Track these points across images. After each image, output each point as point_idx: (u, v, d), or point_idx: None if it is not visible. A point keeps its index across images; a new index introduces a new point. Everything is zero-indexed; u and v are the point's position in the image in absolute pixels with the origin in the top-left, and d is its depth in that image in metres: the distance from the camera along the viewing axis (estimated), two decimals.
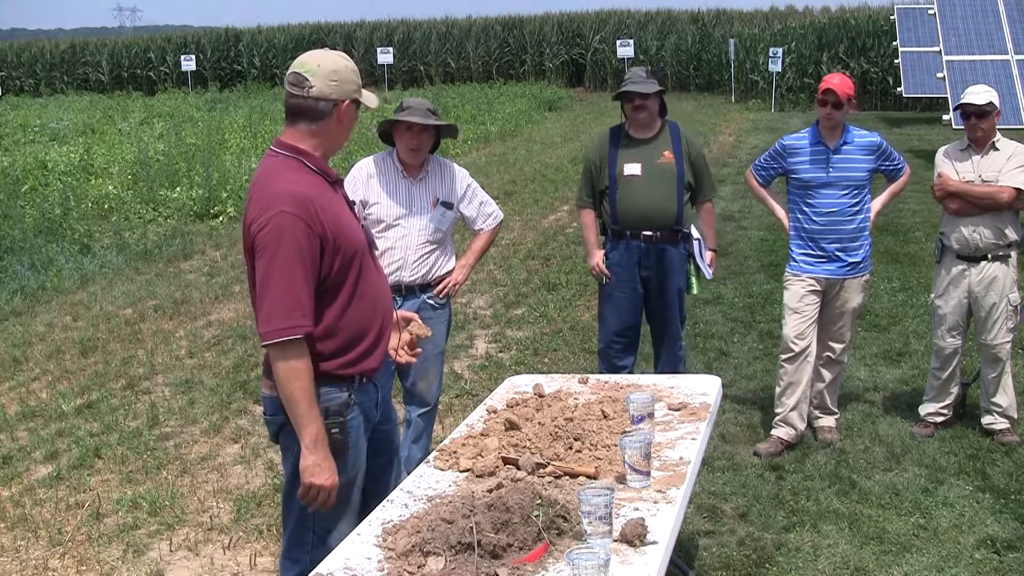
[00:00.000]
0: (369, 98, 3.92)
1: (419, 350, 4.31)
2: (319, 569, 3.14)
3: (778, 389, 6.81)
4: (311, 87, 3.75)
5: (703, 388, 4.73)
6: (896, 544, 5.45)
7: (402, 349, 4.22)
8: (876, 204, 6.84)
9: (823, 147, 6.60)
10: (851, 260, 6.64)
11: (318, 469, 3.64)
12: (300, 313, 3.60)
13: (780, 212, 6.97)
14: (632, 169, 6.50)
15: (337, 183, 3.90)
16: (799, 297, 6.68)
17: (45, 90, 49.67)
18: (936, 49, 19.49)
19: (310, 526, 3.88)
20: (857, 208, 6.62)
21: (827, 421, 6.94)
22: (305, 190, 3.68)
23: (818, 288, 6.66)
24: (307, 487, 3.67)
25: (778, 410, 6.78)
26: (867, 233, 6.71)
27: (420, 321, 4.28)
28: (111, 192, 17.02)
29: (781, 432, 6.75)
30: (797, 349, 6.67)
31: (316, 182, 3.77)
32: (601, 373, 6.13)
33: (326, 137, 3.83)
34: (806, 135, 6.72)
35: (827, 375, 6.89)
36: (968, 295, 6.67)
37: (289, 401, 3.63)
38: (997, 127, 6.65)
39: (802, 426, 6.78)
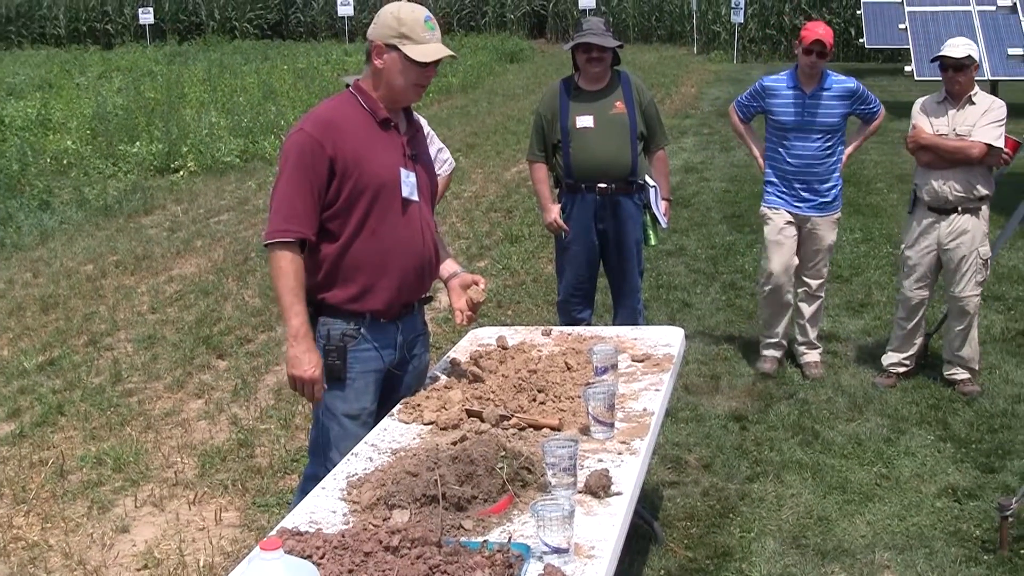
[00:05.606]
0: (414, 50, 3.90)
1: (471, 314, 4.31)
2: (284, 523, 3.12)
3: (762, 319, 7.30)
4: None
5: (666, 339, 4.73)
6: (859, 493, 5.51)
7: (461, 311, 4.29)
8: (850, 148, 7.11)
9: (799, 91, 6.84)
10: (821, 200, 6.91)
11: (297, 361, 3.90)
12: (296, 221, 3.88)
13: (755, 149, 7.27)
14: (584, 121, 6.41)
15: (387, 123, 4.03)
16: (778, 230, 6.98)
17: (0, 45, 48.86)
18: (898, 0, 19.49)
19: (323, 461, 4.05)
20: (829, 151, 6.87)
21: (812, 356, 7.20)
22: (334, 116, 3.97)
23: (793, 221, 6.94)
24: (289, 377, 3.96)
25: (767, 335, 7.24)
26: (838, 175, 6.96)
27: (481, 287, 4.30)
28: (70, 147, 16.78)
29: (773, 352, 7.22)
30: (780, 282, 7.02)
31: (357, 115, 3.99)
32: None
33: (378, 79, 4.00)
34: (785, 78, 6.97)
35: (807, 310, 7.15)
36: (938, 246, 6.71)
37: (277, 297, 3.96)
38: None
39: (786, 343, 7.30)
